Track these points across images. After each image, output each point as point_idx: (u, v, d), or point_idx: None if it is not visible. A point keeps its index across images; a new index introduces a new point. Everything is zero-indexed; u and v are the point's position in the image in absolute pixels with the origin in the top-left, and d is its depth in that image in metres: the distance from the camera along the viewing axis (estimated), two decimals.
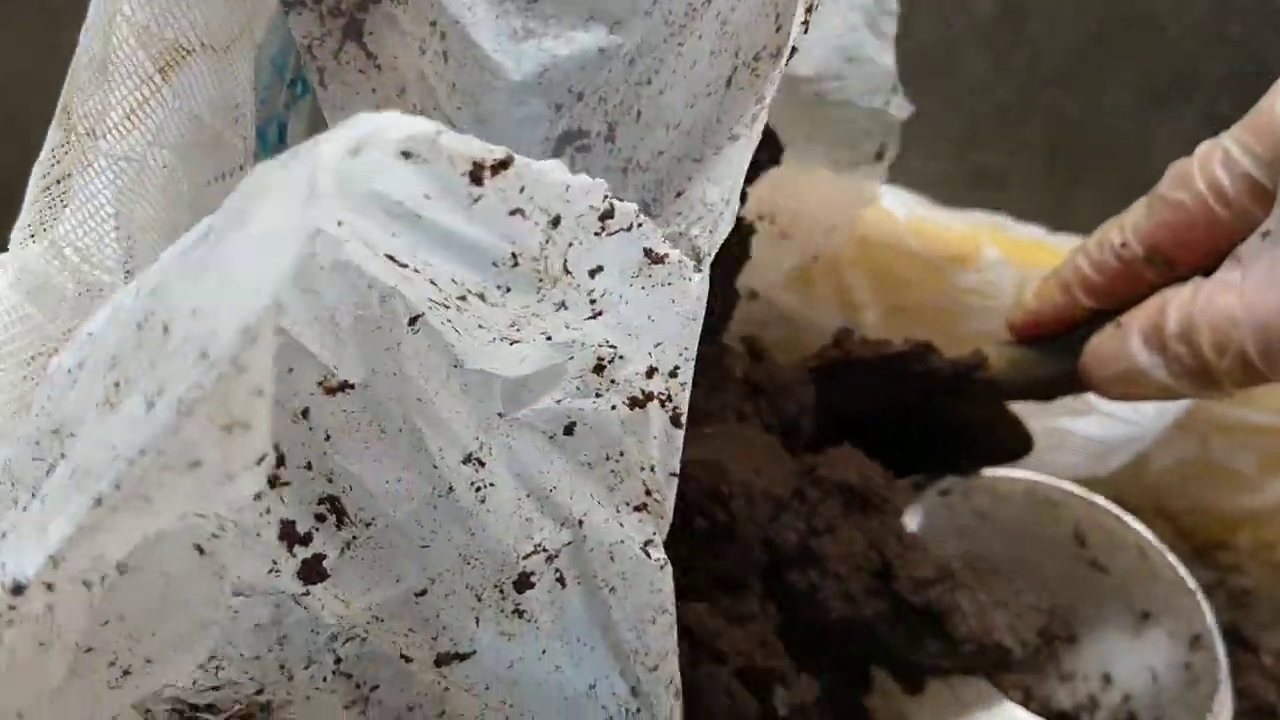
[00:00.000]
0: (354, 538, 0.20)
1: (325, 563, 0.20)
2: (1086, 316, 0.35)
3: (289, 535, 0.19)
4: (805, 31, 0.24)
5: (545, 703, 0.23)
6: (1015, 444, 0.43)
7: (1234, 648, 0.52)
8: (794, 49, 0.23)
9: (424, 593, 0.21)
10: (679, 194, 0.25)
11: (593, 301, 0.20)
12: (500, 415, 0.20)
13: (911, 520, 0.40)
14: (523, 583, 0.22)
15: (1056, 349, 0.36)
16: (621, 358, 0.21)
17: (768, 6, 0.24)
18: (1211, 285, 0.30)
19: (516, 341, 0.20)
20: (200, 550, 0.18)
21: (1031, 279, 0.45)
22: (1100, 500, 0.43)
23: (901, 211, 0.54)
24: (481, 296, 0.18)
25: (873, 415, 0.39)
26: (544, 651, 0.23)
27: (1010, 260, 0.51)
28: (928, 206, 0.55)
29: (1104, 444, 0.52)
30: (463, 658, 0.22)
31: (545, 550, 0.22)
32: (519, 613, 0.22)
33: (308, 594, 0.20)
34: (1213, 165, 0.30)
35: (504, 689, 0.23)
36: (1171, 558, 0.42)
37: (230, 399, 0.15)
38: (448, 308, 0.18)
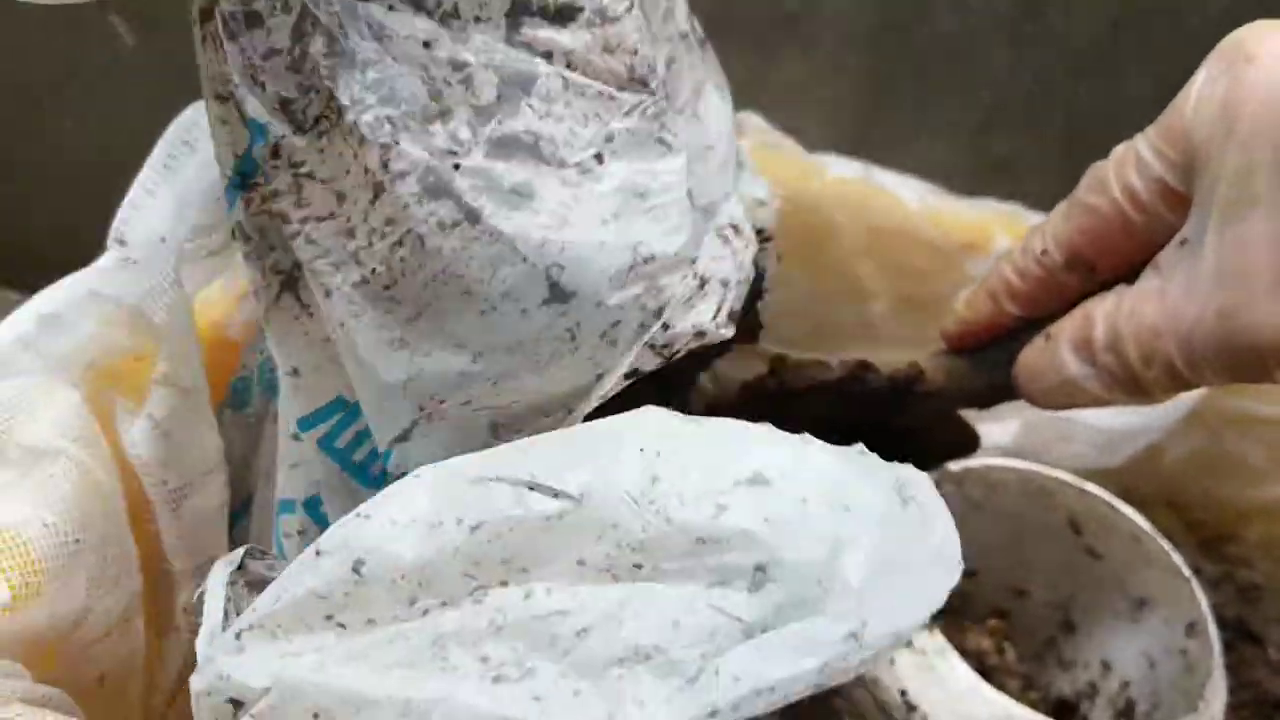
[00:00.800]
0: None
1: None
2: (1016, 324, 0.35)
3: None
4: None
5: None
6: (961, 442, 0.43)
7: (1241, 641, 0.52)
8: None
9: None
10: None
11: None
12: None
13: None
14: None
15: (990, 359, 0.36)
16: None
17: (646, 351, 0.27)
18: (1134, 295, 0.30)
19: None
20: None
21: None
22: (1093, 488, 0.44)
23: (913, 200, 0.54)
24: None
25: (812, 431, 0.40)
26: None
27: None
28: (940, 195, 0.55)
29: (1114, 435, 0.52)
30: None
31: None
32: None
33: None
34: (1127, 170, 0.30)
35: None
36: (1165, 544, 0.42)
37: None
38: None
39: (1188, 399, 0.51)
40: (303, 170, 0.23)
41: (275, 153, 0.23)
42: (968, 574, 0.48)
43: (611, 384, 0.27)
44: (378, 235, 0.24)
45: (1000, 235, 0.53)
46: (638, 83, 0.27)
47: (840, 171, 0.53)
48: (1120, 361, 0.30)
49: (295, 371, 0.27)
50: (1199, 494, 0.55)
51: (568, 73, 0.26)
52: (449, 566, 0.20)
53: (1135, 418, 0.51)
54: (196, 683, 0.20)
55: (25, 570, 0.26)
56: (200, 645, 0.22)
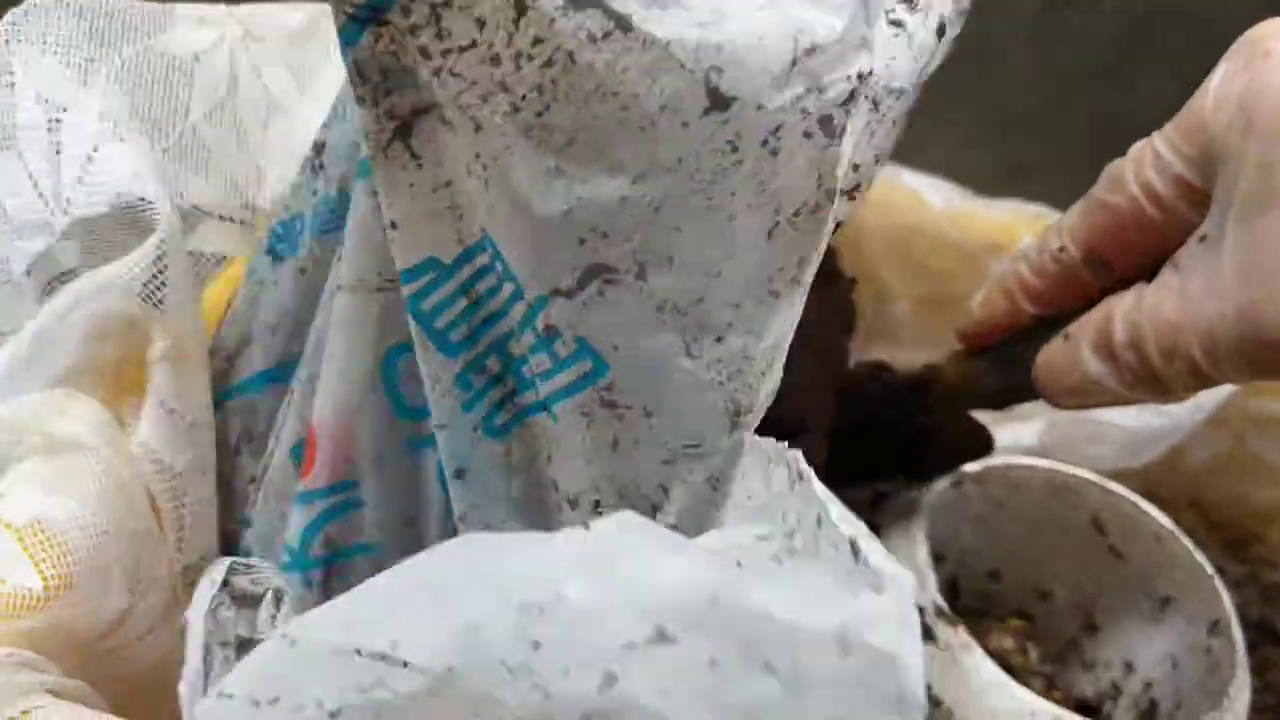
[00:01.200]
0: None
1: None
2: (1031, 323, 0.34)
3: None
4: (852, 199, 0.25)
5: None
6: (976, 446, 0.43)
7: (1264, 642, 0.52)
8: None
9: None
10: (718, 339, 0.26)
11: None
12: None
13: (923, 510, 0.41)
14: None
15: (1006, 359, 0.36)
16: None
17: (809, 166, 0.25)
18: (1154, 292, 0.30)
19: None
20: None
21: None
22: (1117, 487, 0.44)
23: (938, 200, 0.54)
24: None
25: (828, 432, 0.39)
26: None
27: None
28: (965, 196, 0.55)
29: (1138, 436, 0.52)
30: None
31: None
32: None
33: None
34: (1145, 167, 0.30)
35: None
36: (1189, 543, 0.42)
37: None
38: None
39: (1212, 401, 0.50)
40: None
41: None
42: (990, 574, 0.48)
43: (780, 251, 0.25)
44: (524, 58, 0.22)
45: (1025, 237, 0.53)
46: None
47: None
48: (1141, 359, 0.30)
49: (393, 224, 0.26)
50: (1223, 495, 0.55)
51: None
52: None
53: (1159, 419, 0.51)
54: None
55: (59, 563, 0.26)
56: (182, 692, 0.22)
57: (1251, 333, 0.27)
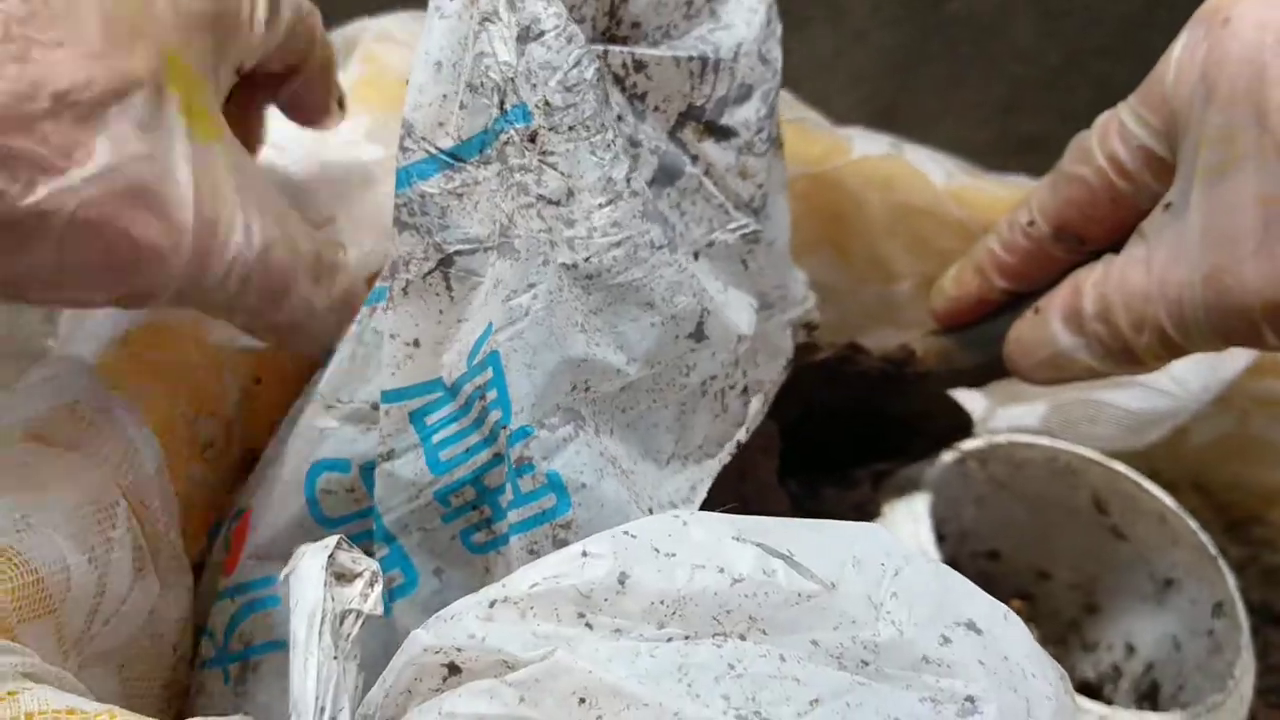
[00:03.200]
0: None
1: None
2: (1004, 300, 0.34)
3: None
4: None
5: None
6: (955, 426, 0.43)
7: (1266, 625, 0.51)
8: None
9: None
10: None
11: None
12: None
13: (926, 488, 0.41)
14: None
15: (979, 337, 0.36)
16: None
17: (738, 407, 0.32)
18: (1121, 262, 0.30)
19: None
20: None
21: None
22: (1120, 466, 0.43)
23: (941, 177, 0.53)
24: None
25: (804, 416, 0.39)
26: None
27: None
28: (969, 172, 0.54)
29: (1141, 417, 0.51)
30: None
31: None
32: None
33: None
34: (1110, 139, 0.30)
35: None
36: (1192, 524, 0.41)
37: None
38: None
39: (1216, 382, 0.50)
40: (549, 159, 0.27)
41: (532, 138, 0.27)
42: (991, 555, 0.48)
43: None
44: (599, 233, 0.27)
45: None
46: (749, 209, 0.33)
47: (867, 148, 0.53)
48: (1111, 330, 0.30)
49: (415, 343, 0.29)
50: (1226, 477, 0.55)
51: (705, 179, 0.31)
52: (703, 606, 0.21)
53: (1162, 400, 0.51)
54: (426, 638, 0.21)
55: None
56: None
57: (1217, 299, 0.27)
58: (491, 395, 0.27)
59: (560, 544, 0.27)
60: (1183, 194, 0.28)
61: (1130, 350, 0.30)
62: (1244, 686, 0.37)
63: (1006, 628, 0.23)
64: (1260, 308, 0.26)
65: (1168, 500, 0.42)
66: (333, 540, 0.24)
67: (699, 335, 0.29)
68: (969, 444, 0.43)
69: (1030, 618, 0.48)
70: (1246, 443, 0.54)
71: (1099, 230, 0.31)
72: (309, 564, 0.23)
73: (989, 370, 0.36)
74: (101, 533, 0.29)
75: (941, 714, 0.21)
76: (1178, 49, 0.28)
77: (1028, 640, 0.23)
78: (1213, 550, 0.41)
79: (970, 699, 0.21)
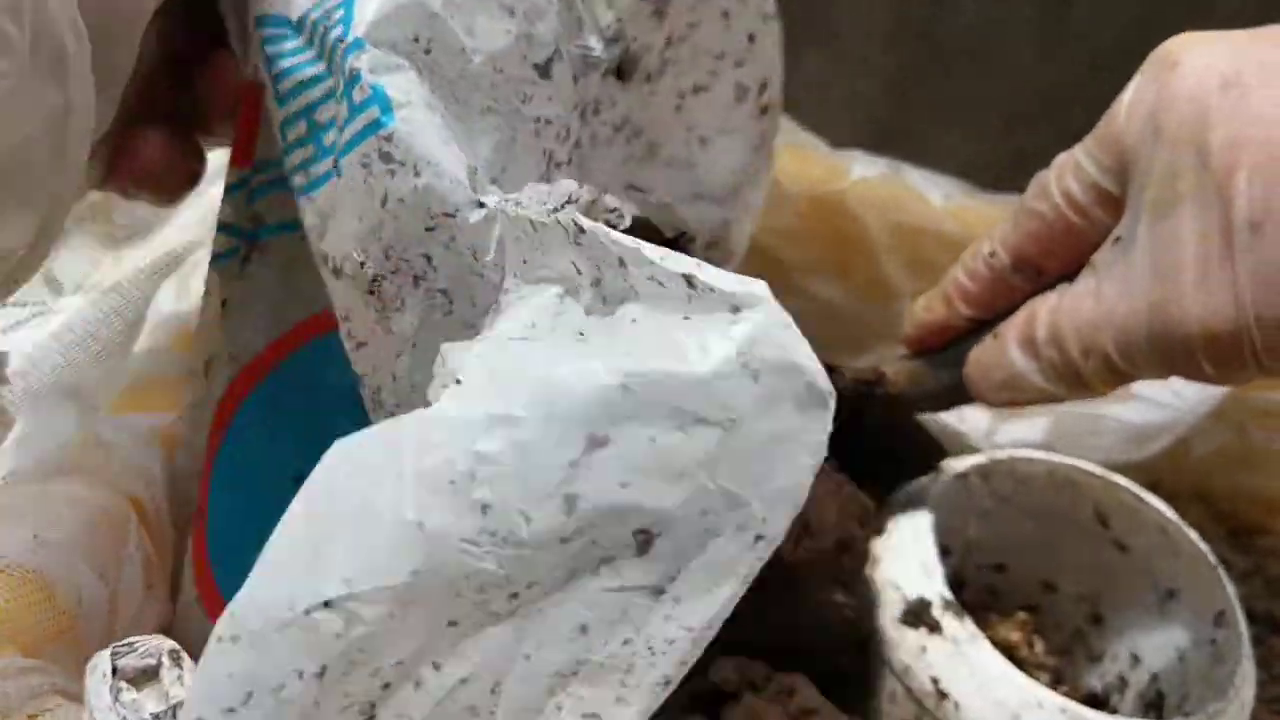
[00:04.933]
0: None
1: None
2: (969, 327, 0.36)
3: None
4: None
5: None
6: (928, 454, 0.44)
7: (1271, 635, 0.52)
8: None
9: None
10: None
11: None
12: None
13: (928, 503, 0.41)
14: None
15: (945, 361, 0.37)
16: None
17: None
18: (1073, 292, 0.31)
19: None
20: None
21: None
22: (1119, 479, 0.44)
23: (939, 197, 0.54)
24: None
25: None
26: None
27: None
28: (966, 191, 0.55)
29: (1142, 429, 0.52)
30: None
31: None
32: None
33: None
34: (1066, 176, 0.31)
35: None
36: (1192, 534, 0.42)
37: None
38: None
39: (1214, 393, 0.51)
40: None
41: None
42: (996, 568, 0.48)
43: None
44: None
45: None
46: None
47: (865, 170, 0.54)
48: (1062, 356, 0.31)
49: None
50: (1228, 487, 0.55)
51: None
52: (329, 698, 0.19)
53: (1162, 413, 0.52)
54: None
55: None
56: None
57: (1161, 329, 0.28)
58: (338, 15, 0.27)
59: (385, 158, 0.26)
60: (1130, 229, 0.29)
61: (1079, 375, 0.31)
62: (1244, 694, 0.37)
63: (629, 396, 0.19)
64: (1200, 337, 0.27)
65: (1167, 512, 0.43)
66: (105, 656, 0.22)
67: (545, 72, 0.29)
68: (971, 460, 0.44)
69: (1037, 630, 0.48)
70: (1247, 453, 0.54)
71: (1055, 262, 0.33)
72: (98, 697, 0.21)
73: (953, 392, 0.38)
74: (113, 550, 0.30)
75: (623, 573, 0.19)
76: (1129, 91, 0.30)
77: (667, 376, 0.20)
78: (1213, 560, 0.41)
79: (640, 531, 0.19)
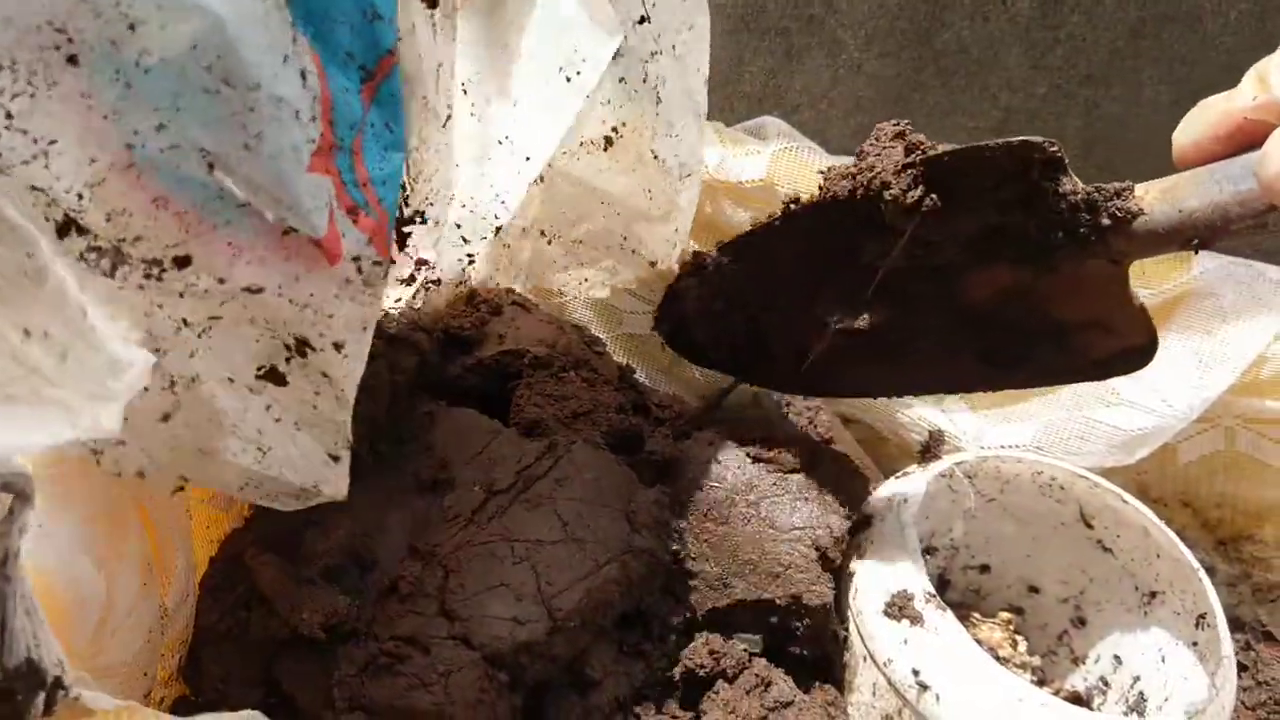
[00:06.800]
0: None
1: None
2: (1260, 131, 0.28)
3: None
4: None
5: None
6: (1135, 346, 0.35)
7: (1258, 641, 0.52)
8: None
9: None
10: None
11: None
12: None
13: (912, 504, 0.42)
14: None
15: (1221, 174, 0.29)
16: None
17: None
18: None
19: None
20: None
21: None
22: (1103, 482, 0.44)
23: None
24: None
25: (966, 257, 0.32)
26: None
27: None
28: None
29: (1131, 436, 0.52)
30: None
31: None
32: None
33: None
34: None
35: None
36: (1175, 538, 0.42)
37: None
38: None
39: (1200, 400, 0.51)
40: None
41: None
42: (982, 568, 0.49)
43: None
44: None
45: None
46: None
47: None
48: None
49: None
50: (1215, 494, 0.56)
51: None
52: None
53: (1150, 418, 0.52)
54: None
55: None
56: None
57: None
58: None
59: None
60: None
61: None
62: (1225, 696, 0.37)
63: None
64: None
65: (1150, 515, 0.43)
66: None
67: None
68: (956, 459, 0.44)
69: (1020, 630, 0.49)
70: (1233, 460, 0.54)
71: None
72: None
73: (1220, 219, 0.29)
74: (113, 545, 0.30)
75: None
76: None
77: None
78: (1194, 563, 0.41)
79: None
